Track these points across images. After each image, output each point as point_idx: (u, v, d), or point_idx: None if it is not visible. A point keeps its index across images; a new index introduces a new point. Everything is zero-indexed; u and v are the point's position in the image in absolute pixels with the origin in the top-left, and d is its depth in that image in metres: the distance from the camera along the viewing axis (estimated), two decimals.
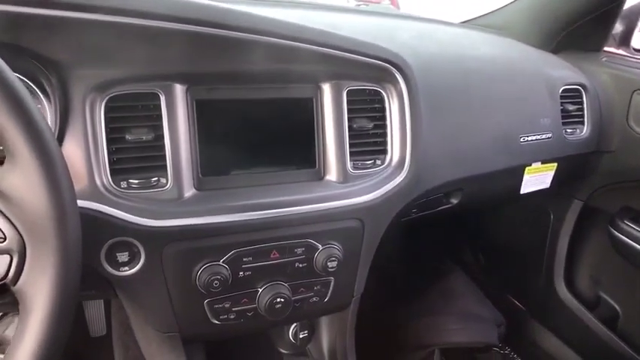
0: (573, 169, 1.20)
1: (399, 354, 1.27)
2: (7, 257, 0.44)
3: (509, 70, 1.05)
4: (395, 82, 0.81)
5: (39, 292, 0.44)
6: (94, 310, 1.27)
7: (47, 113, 0.65)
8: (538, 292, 1.42)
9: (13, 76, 0.43)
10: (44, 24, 0.57)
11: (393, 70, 0.79)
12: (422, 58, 0.91)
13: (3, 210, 0.44)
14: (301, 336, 0.92)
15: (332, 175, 0.80)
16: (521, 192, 1.12)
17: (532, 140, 1.04)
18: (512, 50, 1.16)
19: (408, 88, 0.81)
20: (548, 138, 1.07)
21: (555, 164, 1.13)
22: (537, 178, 1.13)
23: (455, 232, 1.72)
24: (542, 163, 1.10)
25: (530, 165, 1.08)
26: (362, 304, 0.92)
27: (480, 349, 1.39)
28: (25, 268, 0.44)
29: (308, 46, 0.71)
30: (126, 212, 0.65)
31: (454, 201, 1.04)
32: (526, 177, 1.10)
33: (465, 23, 1.39)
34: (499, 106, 0.99)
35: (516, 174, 1.08)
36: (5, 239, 0.44)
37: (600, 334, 1.27)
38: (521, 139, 1.02)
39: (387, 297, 1.06)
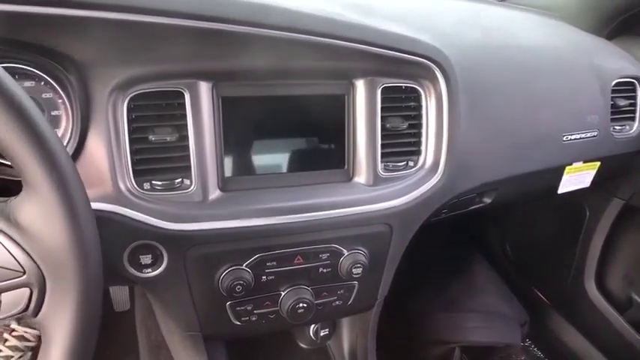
0: (616, 168, 1.13)
1: (418, 348, 1.26)
2: (26, 291, 0.43)
3: (557, 62, 0.97)
4: (434, 80, 0.75)
5: (60, 326, 0.43)
6: (118, 287, 1.29)
7: (68, 113, 0.62)
8: (566, 288, 1.38)
9: (29, 102, 0.40)
10: (67, 24, 0.54)
11: (434, 67, 0.74)
12: (462, 48, 0.84)
13: (20, 242, 0.42)
14: (322, 334, 0.91)
15: (361, 176, 0.76)
16: (559, 192, 1.06)
17: (576, 139, 0.97)
18: (562, 37, 1.07)
19: (448, 86, 0.75)
20: (594, 136, 1.00)
21: (598, 163, 1.06)
22: (577, 178, 1.07)
23: (480, 220, 1.67)
24: (583, 162, 1.04)
25: (571, 164, 1.02)
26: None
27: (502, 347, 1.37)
28: (45, 301, 0.43)
29: (343, 42, 0.66)
30: (149, 215, 0.64)
31: (487, 200, 0.99)
32: (565, 177, 1.04)
33: (509, 2, 1.29)
34: (544, 102, 0.92)
35: (555, 173, 1.02)
36: (24, 273, 0.42)
37: (629, 338, 1.23)
38: (564, 138, 0.96)
39: (407, 287, 1.03)
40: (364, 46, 0.67)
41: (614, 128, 1.05)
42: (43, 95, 0.63)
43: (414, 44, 0.71)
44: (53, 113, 0.64)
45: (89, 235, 0.43)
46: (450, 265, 1.43)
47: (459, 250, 1.52)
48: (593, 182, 1.10)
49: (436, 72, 0.74)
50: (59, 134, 0.65)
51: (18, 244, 0.42)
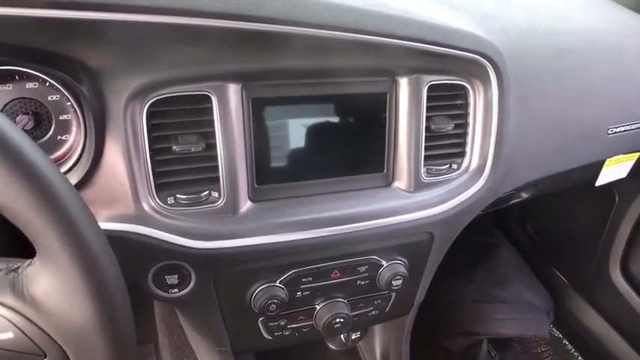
0: None
1: (445, 339, 1.24)
2: None
3: (607, 47, 0.88)
4: (484, 77, 0.67)
5: None
6: None
7: (79, 117, 0.54)
8: (590, 272, 1.35)
9: (37, 154, 0.32)
10: (80, 28, 0.46)
11: (485, 62, 0.66)
12: (509, 34, 0.75)
13: (37, 322, 0.35)
14: (353, 337, 0.87)
15: (402, 181, 0.70)
16: (597, 184, 1.00)
17: (620, 132, 0.90)
18: (611, 19, 0.97)
19: (500, 84, 0.68)
20: (638, 127, 0.93)
21: (638, 154, 1.00)
22: (615, 169, 1.01)
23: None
24: (623, 154, 0.98)
25: (612, 157, 0.96)
26: None
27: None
28: None
29: (388, 40, 0.57)
30: (174, 234, 0.58)
31: (525, 195, 0.93)
32: (605, 169, 0.98)
33: None
34: (593, 94, 0.84)
35: (595, 167, 0.96)
36: (45, 357, 0.36)
37: None
38: (609, 131, 0.89)
39: (435, 277, 0.99)
40: (413, 43, 0.59)
41: None
42: (49, 98, 0.55)
43: (467, 39, 0.63)
44: (61, 117, 0.57)
45: (119, 309, 0.36)
46: (475, 252, 1.39)
47: (480, 232, 1.47)
48: (630, 173, 1.04)
49: (488, 68, 0.66)
50: (70, 142, 0.57)
51: (35, 324, 0.35)
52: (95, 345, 0.35)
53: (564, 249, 1.46)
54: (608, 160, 0.96)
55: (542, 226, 1.53)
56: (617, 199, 1.25)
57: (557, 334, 1.45)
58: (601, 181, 1.00)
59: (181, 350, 0.95)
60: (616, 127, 0.89)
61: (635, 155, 1.00)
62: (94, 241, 0.35)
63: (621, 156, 0.97)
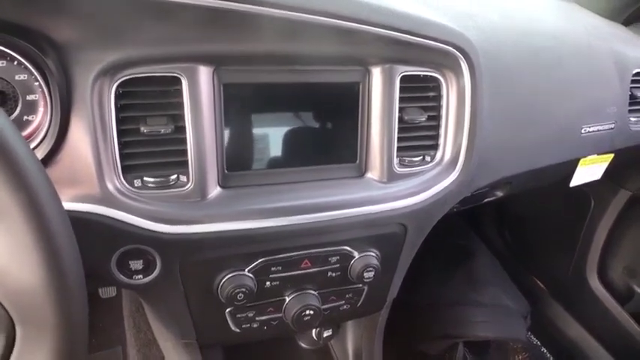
0: (629, 160, 1.09)
1: (421, 342, 1.23)
2: None
3: (579, 48, 0.90)
4: (457, 69, 0.68)
5: None
6: None
7: (46, 97, 0.53)
8: (566, 277, 1.36)
9: None
10: None
11: (457, 54, 0.66)
12: (484, 31, 0.76)
13: None
14: (325, 335, 0.86)
15: (375, 172, 0.70)
16: (571, 184, 1.01)
17: (593, 131, 0.92)
18: (580, 22, 1.00)
19: (472, 76, 0.68)
20: (611, 128, 0.95)
21: (612, 155, 1.02)
22: (589, 170, 1.02)
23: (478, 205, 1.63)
24: (597, 154, 0.99)
25: (586, 157, 0.97)
26: None
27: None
28: (13, 352, 0.35)
29: (363, 26, 0.58)
30: (140, 217, 0.56)
31: (500, 194, 0.94)
32: (579, 169, 0.99)
33: None
34: (566, 92, 0.86)
35: (569, 166, 0.97)
36: None
37: (629, 329, 1.22)
38: (583, 130, 0.90)
39: (409, 278, 0.98)
40: (386, 31, 0.60)
41: (630, 120, 0.99)
42: (17, 77, 0.54)
43: (440, 30, 0.64)
44: (28, 98, 0.55)
45: (70, 267, 0.34)
46: (451, 255, 1.39)
47: (456, 236, 1.48)
48: (604, 174, 1.06)
49: (460, 61, 0.67)
50: (36, 123, 0.56)
51: None
52: (41, 306, 0.33)
53: (541, 255, 1.47)
54: (582, 160, 0.97)
55: (518, 231, 1.54)
56: (592, 204, 1.26)
57: (535, 341, 1.44)
58: (575, 181, 1.01)
59: (148, 348, 0.93)
60: (589, 127, 0.91)
61: (609, 157, 1.01)
62: (44, 194, 0.33)
63: (595, 156, 0.99)
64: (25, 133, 0.56)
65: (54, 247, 0.33)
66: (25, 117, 0.56)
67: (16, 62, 0.53)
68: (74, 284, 0.35)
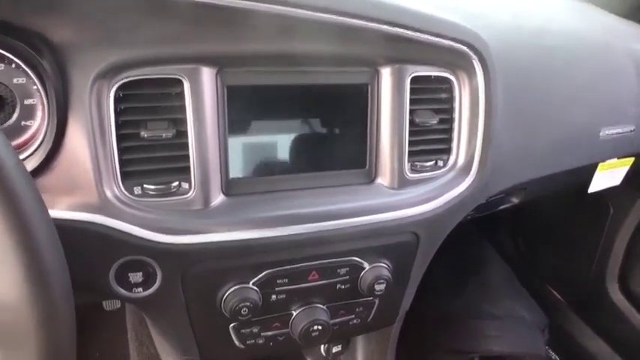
0: None
1: (433, 356, 1.18)
2: None
3: (595, 47, 0.87)
4: (470, 70, 0.65)
5: None
6: None
7: (44, 102, 0.51)
8: (585, 288, 1.30)
9: None
10: None
11: (471, 54, 0.63)
12: (496, 30, 0.73)
13: None
14: (334, 350, 0.82)
15: (385, 177, 0.66)
16: (590, 190, 0.97)
17: (613, 134, 0.88)
18: (596, 21, 0.97)
19: (486, 77, 0.65)
20: (631, 131, 0.91)
21: (632, 159, 0.98)
22: (609, 175, 0.98)
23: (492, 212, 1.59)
24: (617, 158, 0.95)
25: (605, 161, 0.93)
26: None
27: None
28: None
29: (371, 24, 0.55)
30: (140, 227, 0.54)
31: (515, 200, 0.90)
32: (597, 174, 0.95)
33: None
34: (583, 94, 0.82)
35: (588, 171, 0.93)
36: None
37: None
38: (602, 133, 0.86)
39: (418, 288, 0.95)
40: (395, 29, 0.57)
41: None
42: (15, 80, 0.52)
43: (453, 28, 0.61)
44: (26, 102, 0.53)
45: (55, 282, 0.31)
46: (462, 263, 1.34)
47: (468, 244, 1.43)
48: (623, 180, 1.02)
49: (474, 61, 0.64)
50: (34, 128, 0.54)
51: None
52: (23, 327, 0.30)
53: (558, 265, 1.41)
54: (600, 164, 0.93)
55: (534, 240, 1.49)
56: (611, 211, 1.21)
57: (553, 355, 1.38)
58: (594, 187, 0.97)
59: None
60: (608, 130, 0.87)
61: (630, 160, 0.98)
62: (27, 201, 0.30)
63: (615, 160, 0.95)
64: (22, 139, 0.54)
65: (39, 259, 0.30)
66: (23, 122, 0.54)
67: (14, 65, 0.51)
68: (60, 300, 0.32)
